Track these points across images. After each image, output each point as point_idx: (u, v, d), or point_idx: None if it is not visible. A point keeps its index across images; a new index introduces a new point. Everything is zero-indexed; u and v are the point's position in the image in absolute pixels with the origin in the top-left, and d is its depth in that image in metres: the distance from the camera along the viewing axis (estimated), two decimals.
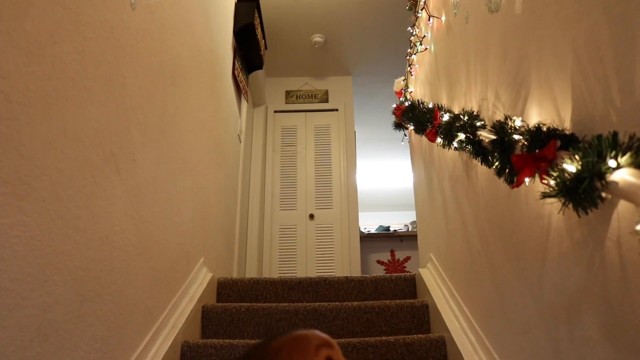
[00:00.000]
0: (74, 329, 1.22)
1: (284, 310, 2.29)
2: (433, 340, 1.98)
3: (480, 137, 1.39)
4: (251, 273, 4.35)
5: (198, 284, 2.34)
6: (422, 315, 2.28)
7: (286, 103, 5.42)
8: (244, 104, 3.96)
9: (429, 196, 2.58)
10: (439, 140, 1.82)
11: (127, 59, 1.61)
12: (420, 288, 2.55)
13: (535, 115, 1.19)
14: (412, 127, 2.43)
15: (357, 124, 5.86)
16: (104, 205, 1.41)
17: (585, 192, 0.79)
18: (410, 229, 6.70)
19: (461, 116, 1.59)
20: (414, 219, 6.71)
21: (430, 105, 2.09)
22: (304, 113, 5.37)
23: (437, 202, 2.39)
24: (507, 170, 1.17)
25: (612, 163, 0.74)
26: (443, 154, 2.20)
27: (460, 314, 1.94)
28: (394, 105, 2.95)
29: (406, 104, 2.67)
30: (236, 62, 3.58)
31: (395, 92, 3.14)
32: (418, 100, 2.35)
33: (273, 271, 4.63)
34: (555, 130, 1.00)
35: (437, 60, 2.33)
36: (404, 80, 3.07)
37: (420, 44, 2.59)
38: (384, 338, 1.98)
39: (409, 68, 2.92)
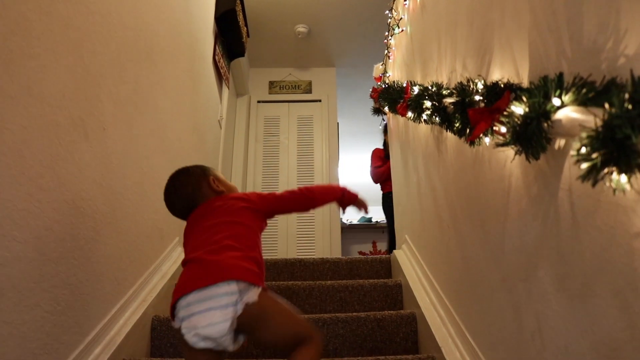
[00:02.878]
0: (35, 287, 1.21)
1: None
2: (404, 316, 1.99)
3: (446, 104, 1.40)
4: None
5: (172, 262, 2.33)
6: (396, 295, 2.29)
7: (269, 93, 5.41)
8: (225, 90, 3.95)
9: (405, 178, 2.60)
10: (409, 114, 1.83)
11: (98, 27, 1.60)
12: (395, 269, 2.57)
13: (497, 77, 1.21)
14: (387, 108, 2.45)
15: (340, 116, 5.87)
16: (71, 168, 1.40)
17: (533, 134, 0.80)
18: None
19: (430, 87, 1.61)
20: None
21: (405, 85, 2.11)
22: (287, 103, 5.37)
23: (412, 183, 2.40)
24: (467, 130, 1.19)
25: (556, 101, 0.75)
26: (417, 133, 2.21)
27: (432, 290, 1.96)
28: (371, 89, 2.96)
29: (383, 87, 2.69)
30: (217, 47, 3.58)
31: (375, 78, 3.16)
32: (394, 82, 2.36)
33: None
34: (511, 84, 1.01)
35: (412, 41, 2.34)
36: (382, 65, 3.09)
37: (398, 27, 2.60)
38: (354, 314, 1.99)
39: (387, 51, 2.94)
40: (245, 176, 4.91)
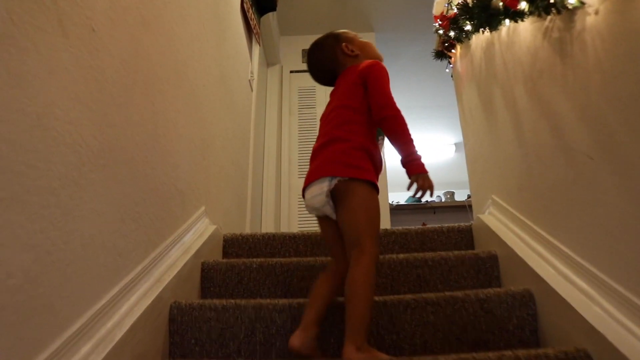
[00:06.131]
0: None
1: (308, 265, 1.76)
2: (516, 295, 1.44)
3: None
4: None
5: (197, 235, 1.82)
6: (490, 269, 1.73)
7: (303, 62, 4.86)
8: (256, 47, 3.43)
9: (488, 123, 2.04)
10: (522, 4, 1.29)
11: None
12: (480, 239, 2.00)
13: None
14: (468, 27, 1.88)
15: None
16: (35, 65, 0.89)
17: None
18: (443, 200, 6.07)
19: None
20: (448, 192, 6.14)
21: None
22: None
23: (500, 126, 1.85)
24: None
25: None
26: (512, 53, 1.66)
27: (554, 256, 1.40)
28: (437, 24, 2.41)
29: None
30: None
31: (434, 17, 2.59)
32: None
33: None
34: None
35: None
36: None
37: None
38: (448, 294, 1.45)
39: None
40: (279, 151, 4.37)
